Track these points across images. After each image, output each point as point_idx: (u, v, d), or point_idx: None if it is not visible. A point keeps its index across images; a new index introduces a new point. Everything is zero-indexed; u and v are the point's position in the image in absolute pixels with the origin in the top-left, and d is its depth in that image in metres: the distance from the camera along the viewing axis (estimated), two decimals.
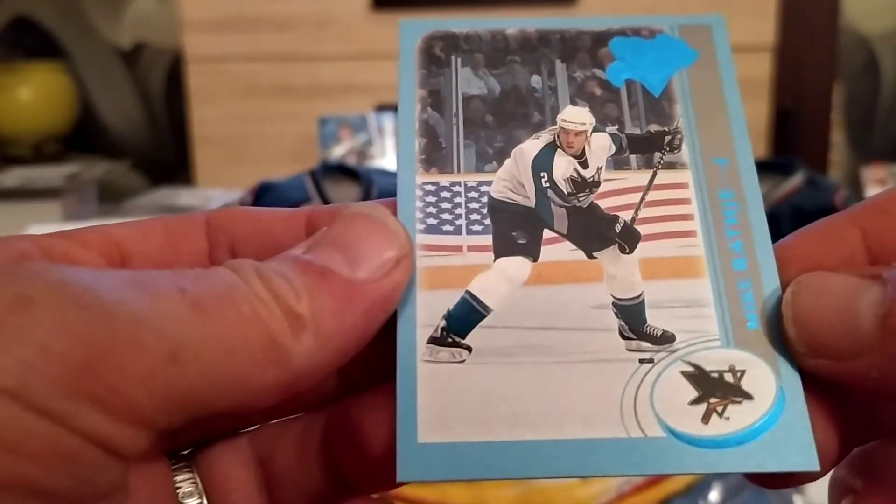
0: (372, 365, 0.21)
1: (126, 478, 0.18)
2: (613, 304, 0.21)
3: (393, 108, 1.33)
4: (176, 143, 1.68)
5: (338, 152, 1.32)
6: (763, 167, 0.98)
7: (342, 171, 1.00)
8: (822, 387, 0.20)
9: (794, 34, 1.42)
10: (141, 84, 1.72)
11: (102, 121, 1.74)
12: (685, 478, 0.49)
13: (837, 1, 1.50)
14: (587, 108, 0.23)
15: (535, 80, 0.24)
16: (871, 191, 1.08)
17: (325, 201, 0.94)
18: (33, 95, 1.56)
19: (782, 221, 0.93)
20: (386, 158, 1.31)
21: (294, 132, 1.43)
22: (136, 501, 0.19)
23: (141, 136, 1.74)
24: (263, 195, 0.96)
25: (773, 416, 0.19)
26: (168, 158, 1.72)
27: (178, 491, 0.21)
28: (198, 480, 0.22)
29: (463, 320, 0.20)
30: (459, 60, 0.24)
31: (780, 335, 0.20)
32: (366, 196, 0.94)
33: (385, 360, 0.21)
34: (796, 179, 0.97)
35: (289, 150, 1.44)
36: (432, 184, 0.22)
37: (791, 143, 1.46)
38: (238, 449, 0.22)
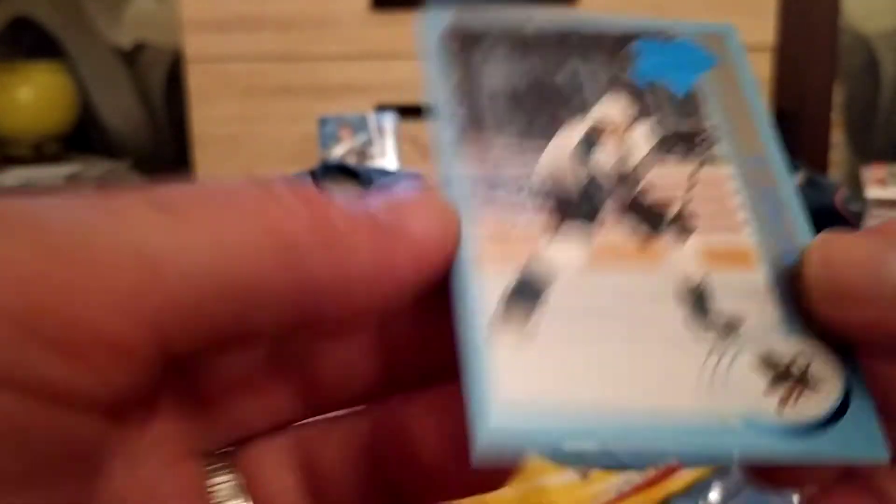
0: (418, 361, 0.21)
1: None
2: (675, 292, 0.21)
3: (393, 108, 1.33)
4: (176, 143, 1.68)
5: (338, 152, 1.32)
6: None
7: (342, 171, 0.99)
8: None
9: (794, 34, 1.42)
10: (141, 84, 1.72)
11: (102, 121, 1.73)
12: (685, 478, 0.49)
13: (837, 1, 1.50)
14: (620, 104, 0.23)
15: (564, 77, 0.24)
16: (871, 191, 1.08)
17: None
18: (33, 95, 1.56)
19: None
20: (386, 158, 1.30)
21: (294, 132, 1.43)
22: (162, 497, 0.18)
23: (141, 136, 1.74)
24: None
25: (842, 406, 0.20)
26: (168, 158, 1.72)
27: (216, 493, 0.19)
28: (237, 481, 0.19)
29: (523, 300, 0.20)
30: (484, 56, 0.24)
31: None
32: None
33: (432, 359, 0.20)
34: (796, 179, 0.97)
35: (289, 150, 1.44)
36: (477, 172, 0.22)
37: (791, 143, 1.45)
38: (281, 450, 0.20)
